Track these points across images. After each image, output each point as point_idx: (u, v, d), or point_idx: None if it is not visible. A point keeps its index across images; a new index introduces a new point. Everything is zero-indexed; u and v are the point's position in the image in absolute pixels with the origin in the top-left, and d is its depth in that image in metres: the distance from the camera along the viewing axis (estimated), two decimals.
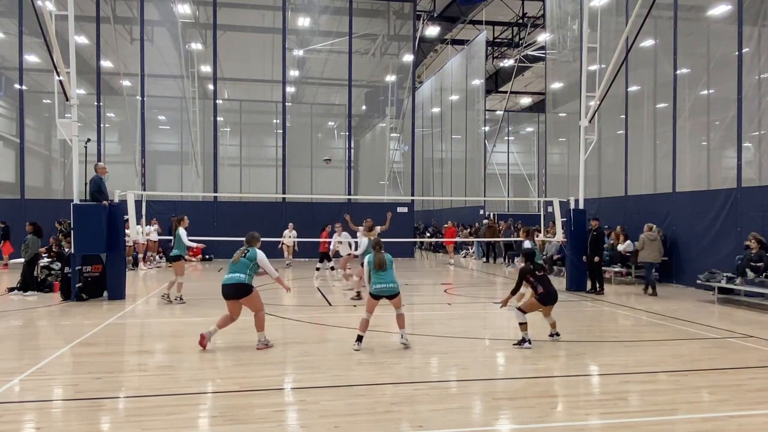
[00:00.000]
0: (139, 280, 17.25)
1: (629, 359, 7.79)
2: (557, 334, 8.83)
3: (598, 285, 14.69)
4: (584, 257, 14.86)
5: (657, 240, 14.79)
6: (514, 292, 8.77)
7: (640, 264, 15.23)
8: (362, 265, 9.14)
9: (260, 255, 8.36)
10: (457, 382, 6.75)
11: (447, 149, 38.15)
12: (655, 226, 15.26)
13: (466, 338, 9.20)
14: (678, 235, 16.30)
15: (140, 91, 24.09)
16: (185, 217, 13.12)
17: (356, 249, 15.26)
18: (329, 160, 23.34)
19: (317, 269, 17.90)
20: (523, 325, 8.32)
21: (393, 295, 8.37)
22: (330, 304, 12.70)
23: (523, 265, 8.85)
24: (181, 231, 12.74)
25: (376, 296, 8.35)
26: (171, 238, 21.00)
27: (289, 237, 20.49)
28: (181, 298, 12.67)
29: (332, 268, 18.05)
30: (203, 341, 8.15)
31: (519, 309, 8.45)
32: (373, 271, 8.35)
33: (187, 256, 22.84)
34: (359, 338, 8.28)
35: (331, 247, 18.84)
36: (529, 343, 8.27)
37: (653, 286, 14.31)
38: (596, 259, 14.64)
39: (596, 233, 14.81)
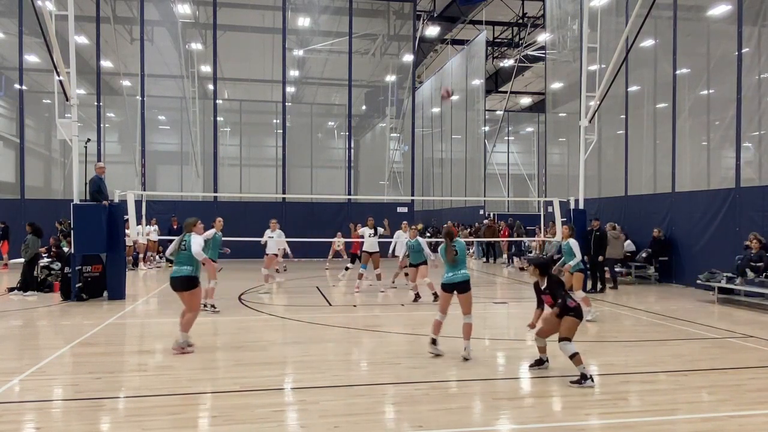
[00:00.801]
0: (139, 280, 17.26)
1: (629, 359, 7.79)
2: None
3: (599, 284, 14.89)
4: (586, 257, 14.93)
5: (620, 238, 15.93)
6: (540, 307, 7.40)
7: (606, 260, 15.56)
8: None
9: (193, 239, 8.02)
10: (457, 382, 6.75)
11: (447, 149, 38.15)
12: (618, 225, 16.48)
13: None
14: (678, 235, 16.30)
15: (140, 91, 24.08)
16: (198, 221, 12.22)
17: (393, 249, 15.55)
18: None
19: (346, 269, 16.74)
20: (576, 357, 6.67)
21: (464, 286, 7.69)
22: (330, 304, 12.69)
23: (553, 277, 7.32)
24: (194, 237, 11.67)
25: (447, 288, 7.80)
26: (171, 238, 21.15)
27: (271, 237, 17.28)
28: (213, 306, 11.46)
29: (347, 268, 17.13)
30: (179, 351, 7.91)
31: (566, 339, 6.80)
32: (445, 264, 7.91)
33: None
34: (433, 341, 7.84)
35: (335, 247, 18.74)
36: (592, 380, 6.58)
37: (615, 280, 15.59)
38: (600, 258, 14.78)
39: (598, 233, 14.95)
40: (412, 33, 27.65)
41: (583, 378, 6.54)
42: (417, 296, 12.91)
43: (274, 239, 14.89)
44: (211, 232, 11.17)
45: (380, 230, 14.89)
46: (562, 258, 11.11)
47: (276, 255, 15.55)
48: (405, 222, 15.24)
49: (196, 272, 7.97)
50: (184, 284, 7.91)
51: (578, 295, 10.44)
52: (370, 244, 14.57)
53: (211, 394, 6.25)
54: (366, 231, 14.85)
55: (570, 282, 10.67)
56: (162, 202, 23.12)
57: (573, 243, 10.77)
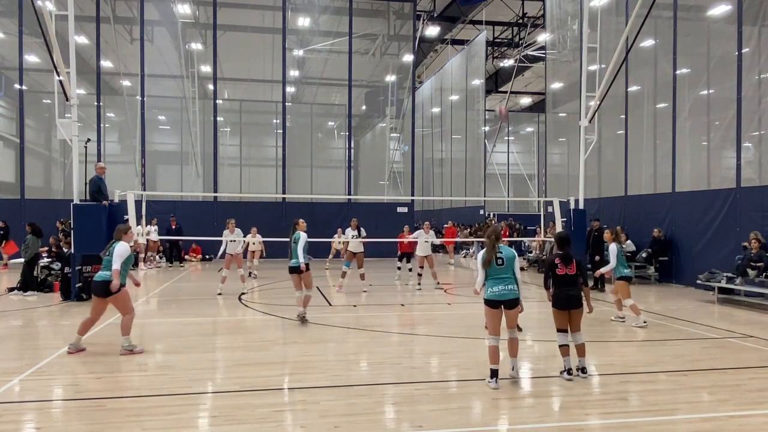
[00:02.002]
0: (139, 280, 17.22)
1: (629, 359, 7.79)
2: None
3: (599, 284, 15.11)
4: (587, 256, 15.17)
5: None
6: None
7: None
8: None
9: (118, 247, 7.92)
10: (457, 382, 6.75)
11: (447, 149, 38.14)
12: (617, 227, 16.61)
13: (466, 338, 9.20)
14: (678, 235, 16.30)
15: (140, 91, 24.09)
16: (300, 220, 10.99)
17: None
18: None
19: (398, 269, 16.79)
20: (561, 348, 6.92)
21: (512, 302, 6.56)
22: (330, 304, 12.69)
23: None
24: (302, 236, 10.56)
25: (492, 304, 6.57)
26: (170, 238, 21.25)
27: (253, 243, 17.29)
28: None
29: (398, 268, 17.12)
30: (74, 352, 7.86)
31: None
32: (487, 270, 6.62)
33: (188, 256, 23.03)
34: (493, 373, 6.44)
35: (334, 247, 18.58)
36: (569, 373, 6.79)
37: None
38: (597, 258, 14.97)
39: (597, 234, 15.08)
40: (412, 33, 27.66)
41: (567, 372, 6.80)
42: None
43: (236, 242, 14.49)
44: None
45: (363, 231, 15.14)
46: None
47: (234, 255, 14.55)
48: (427, 222, 15.98)
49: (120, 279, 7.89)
50: (105, 290, 7.81)
51: (627, 302, 10.22)
52: (355, 244, 14.86)
53: (211, 394, 6.25)
54: (349, 232, 15.28)
55: (617, 290, 10.49)
56: (162, 202, 23.13)
57: (612, 249, 10.29)
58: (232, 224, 14.46)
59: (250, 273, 17.03)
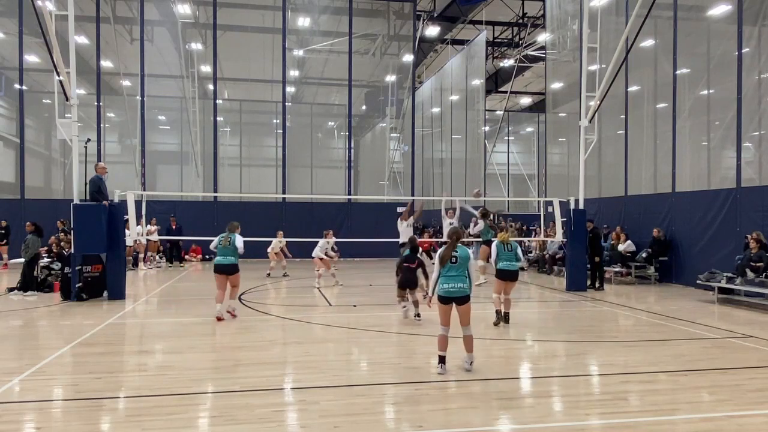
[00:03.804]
0: (139, 280, 17.25)
1: (629, 359, 7.79)
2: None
3: (597, 282, 15.32)
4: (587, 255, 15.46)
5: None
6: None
7: None
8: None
9: (238, 237, 10.77)
10: (457, 382, 6.75)
11: (447, 149, 38.13)
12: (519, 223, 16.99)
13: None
14: (678, 235, 16.30)
15: (140, 91, 24.08)
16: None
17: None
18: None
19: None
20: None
21: (462, 299, 7.04)
22: (330, 304, 12.69)
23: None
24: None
25: (443, 300, 7.02)
26: (170, 238, 21.22)
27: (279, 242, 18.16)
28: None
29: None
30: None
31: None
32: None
33: (188, 256, 23.03)
34: (441, 359, 6.96)
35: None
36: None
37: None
38: (597, 259, 15.32)
39: (591, 234, 15.45)
40: (412, 33, 27.65)
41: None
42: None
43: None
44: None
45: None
46: None
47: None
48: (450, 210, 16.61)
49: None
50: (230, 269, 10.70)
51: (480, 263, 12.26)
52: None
53: (211, 394, 6.25)
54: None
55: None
56: (162, 202, 23.12)
57: (480, 224, 12.27)
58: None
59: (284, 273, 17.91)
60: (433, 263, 7.25)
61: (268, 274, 17.63)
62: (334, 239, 16.95)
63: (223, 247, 10.72)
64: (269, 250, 17.91)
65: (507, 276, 9.82)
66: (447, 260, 7.00)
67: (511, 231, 11.41)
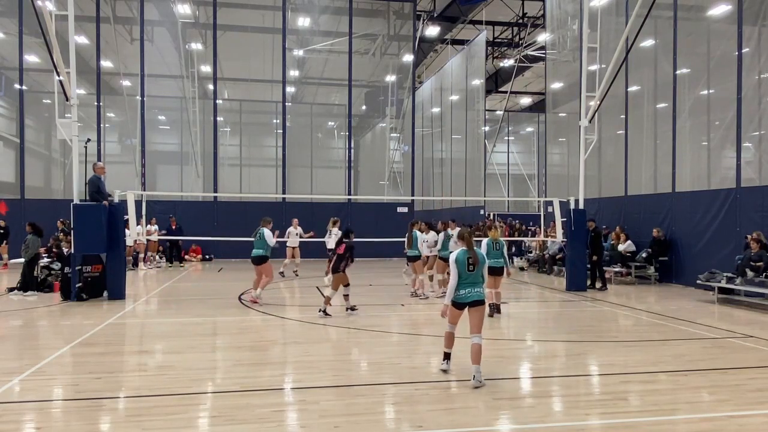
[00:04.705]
0: (139, 280, 17.25)
1: (629, 359, 7.79)
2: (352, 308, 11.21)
3: (599, 283, 15.29)
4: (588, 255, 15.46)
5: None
6: None
7: None
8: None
9: (267, 231, 12.39)
10: (457, 382, 6.75)
11: (447, 149, 38.13)
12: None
13: (466, 338, 9.19)
14: (678, 235, 16.30)
15: (140, 91, 24.09)
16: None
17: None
18: None
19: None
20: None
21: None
22: (330, 304, 12.68)
23: None
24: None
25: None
26: (171, 238, 21.21)
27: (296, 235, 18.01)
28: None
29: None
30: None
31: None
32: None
33: (188, 256, 23.04)
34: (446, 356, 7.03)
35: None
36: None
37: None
38: (594, 258, 15.28)
39: (593, 234, 15.41)
40: (412, 33, 27.65)
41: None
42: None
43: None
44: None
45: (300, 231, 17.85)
46: None
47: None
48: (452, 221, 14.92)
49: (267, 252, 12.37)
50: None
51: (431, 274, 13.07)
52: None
53: (211, 394, 6.25)
54: (292, 230, 17.84)
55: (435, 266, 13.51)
56: (162, 202, 23.12)
57: (440, 236, 12.97)
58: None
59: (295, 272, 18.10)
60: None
61: (282, 273, 17.56)
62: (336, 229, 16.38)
63: (255, 240, 12.57)
64: (288, 242, 17.72)
65: (493, 272, 10.71)
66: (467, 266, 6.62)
67: (500, 230, 12.07)
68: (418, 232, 13.47)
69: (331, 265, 11.82)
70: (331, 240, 15.40)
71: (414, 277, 13.56)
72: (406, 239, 13.53)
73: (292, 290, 15.36)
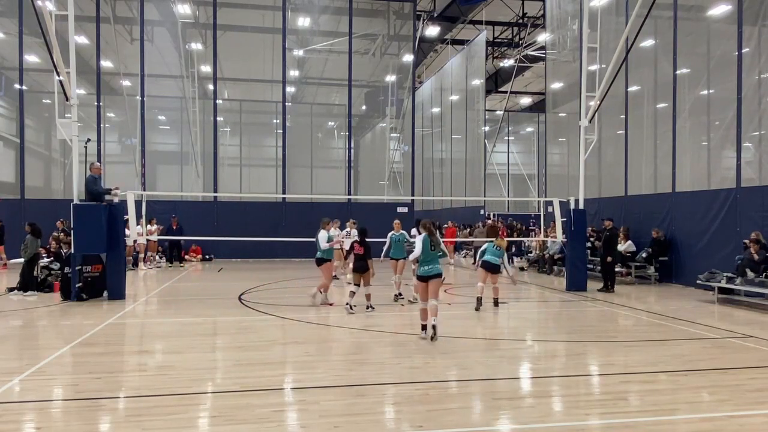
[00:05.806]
0: (139, 280, 17.25)
1: (629, 359, 7.79)
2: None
3: (609, 284, 14.95)
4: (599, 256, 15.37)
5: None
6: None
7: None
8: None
9: (322, 233, 12.14)
10: (457, 382, 6.75)
11: (447, 149, 38.15)
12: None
13: (466, 338, 9.21)
14: (678, 235, 16.30)
15: (140, 91, 24.09)
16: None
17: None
18: None
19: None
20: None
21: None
22: (330, 304, 12.68)
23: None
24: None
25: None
26: (171, 238, 21.22)
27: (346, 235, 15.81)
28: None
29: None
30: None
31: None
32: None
33: (188, 256, 23.04)
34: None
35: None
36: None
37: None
38: (608, 258, 14.92)
39: (609, 233, 15.15)
40: (412, 33, 27.64)
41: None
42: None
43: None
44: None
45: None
46: None
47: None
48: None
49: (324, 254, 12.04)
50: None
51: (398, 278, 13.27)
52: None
53: (211, 394, 6.25)
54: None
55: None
56: (162, 202, 23.12)
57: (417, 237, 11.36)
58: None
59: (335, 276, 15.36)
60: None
61: (335, 276, 15.27)
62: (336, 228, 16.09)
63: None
64: (340, 245, 15.14)
65: (489, 268, 11.67)
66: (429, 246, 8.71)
67: (504, 241, 12.54)
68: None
69: (352, 267, 11.83)
70: (347, 241, 14.77)
71: (395, 279, 13.47)
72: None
73: (291, 290, 15.35)
